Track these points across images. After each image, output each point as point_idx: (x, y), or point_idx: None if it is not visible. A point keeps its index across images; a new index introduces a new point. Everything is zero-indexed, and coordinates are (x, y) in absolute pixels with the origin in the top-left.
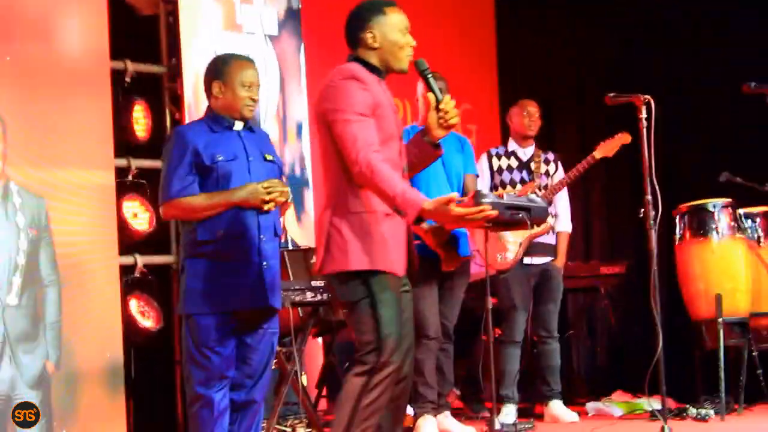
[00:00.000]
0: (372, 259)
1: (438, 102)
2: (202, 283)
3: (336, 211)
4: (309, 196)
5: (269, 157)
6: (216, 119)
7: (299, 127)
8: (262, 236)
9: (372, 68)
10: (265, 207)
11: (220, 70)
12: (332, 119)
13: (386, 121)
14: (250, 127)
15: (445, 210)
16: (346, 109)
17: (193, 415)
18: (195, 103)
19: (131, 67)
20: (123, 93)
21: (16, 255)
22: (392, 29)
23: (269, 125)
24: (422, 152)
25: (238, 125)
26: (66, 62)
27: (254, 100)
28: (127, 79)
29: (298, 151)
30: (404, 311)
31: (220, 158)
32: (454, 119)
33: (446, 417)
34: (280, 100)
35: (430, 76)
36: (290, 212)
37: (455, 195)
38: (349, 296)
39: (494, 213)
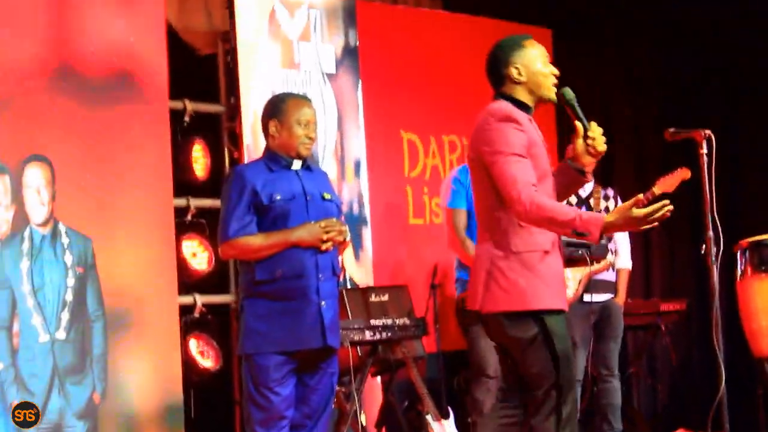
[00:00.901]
0: (543, 299)
1: (586, 130)
2: (261, 323)
3: (497, 250)
4: (367, 234)
5: (327, 196)
6: (274, 158)
7: (357, 165)
8: (320, 275)
9: (520, 104)
10: (323, 246)
11: (276, 108)
12: (491, 161)
13: (540, 159)
14: (308, 166)
15: (629, 215)
16: (504, 151)
17: None
18: (254, 142)
19: (190, 106)
20: (182, 132)
21: (64, 292)
22: (534, 61)
23: (327, 163)
24: (568, 180)
25: (296, 164)
26: (125, 102)
27: (311, 138)
28: (186, 119)
29: (357, 188)
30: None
31: (278, 198)
32: (602, 146)
33: None
34: (338, 138)
35: (577, 105)
36: (349, 251)
37: (640, 196)
38: (522, 334)
39: (671, 207)
